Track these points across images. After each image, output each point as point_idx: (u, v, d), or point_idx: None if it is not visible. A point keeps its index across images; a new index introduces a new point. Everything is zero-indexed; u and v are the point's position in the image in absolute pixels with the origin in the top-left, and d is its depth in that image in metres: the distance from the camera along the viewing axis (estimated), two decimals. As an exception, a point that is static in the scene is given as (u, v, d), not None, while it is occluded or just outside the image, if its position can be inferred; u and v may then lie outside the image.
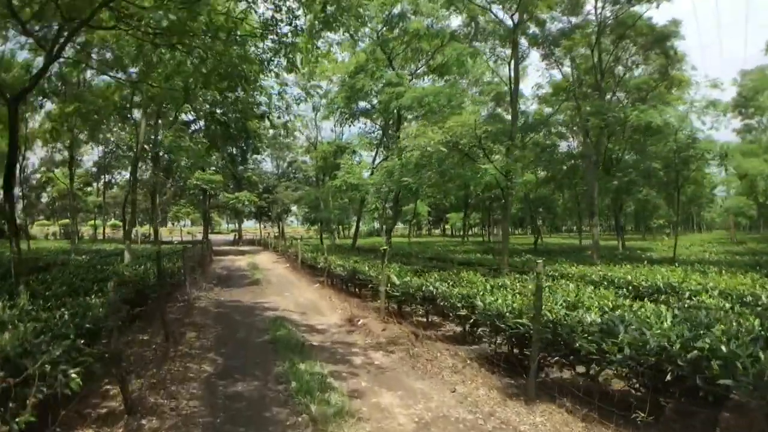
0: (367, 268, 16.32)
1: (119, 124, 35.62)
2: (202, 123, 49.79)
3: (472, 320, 9.85)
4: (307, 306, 15.94)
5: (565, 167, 33.22)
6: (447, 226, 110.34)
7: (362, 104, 30.54)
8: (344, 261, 19.23)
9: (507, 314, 8.26)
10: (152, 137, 24.92)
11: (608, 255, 26.31)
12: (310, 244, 36.51)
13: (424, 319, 13.23)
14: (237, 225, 79.17)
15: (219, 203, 46.20)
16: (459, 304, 10.11)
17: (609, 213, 51.17)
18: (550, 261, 22.24)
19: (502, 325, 8.30)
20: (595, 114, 26.13)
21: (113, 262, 20.52)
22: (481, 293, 9.78)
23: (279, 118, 50.82)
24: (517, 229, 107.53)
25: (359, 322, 13.14)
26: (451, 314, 10.80)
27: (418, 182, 19.87)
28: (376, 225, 75.06)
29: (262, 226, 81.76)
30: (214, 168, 45.95)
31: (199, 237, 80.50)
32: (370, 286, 15.71)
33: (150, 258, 22.78)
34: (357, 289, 18.02)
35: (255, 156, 62.92)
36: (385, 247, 13.87)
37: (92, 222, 70.89)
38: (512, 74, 20.49)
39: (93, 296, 9.76)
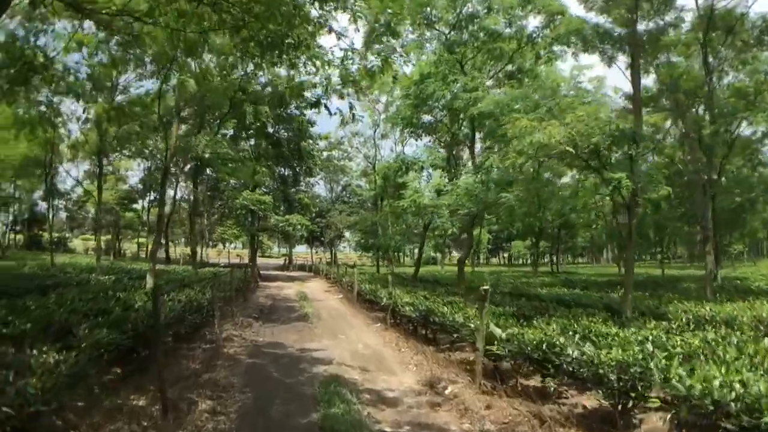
0: (446, 310, 12.50)
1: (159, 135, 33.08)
2: (253, 141, 47.47)
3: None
4: (370, 357, 12.10)
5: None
6: (504, 255, 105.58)
7: (427, 118, 26.99)
8: (413, 297, 15.43)
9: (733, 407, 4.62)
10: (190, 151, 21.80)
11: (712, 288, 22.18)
12: (365, 273, 32.87)
13: (533, 381, 9.59)
14: (288, 249, 76.27)
15: (268, 226, 43.01)
16: (614, 375, 6.84)
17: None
18: (655, 297, 18.48)
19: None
20: (699, 124, 22.01)
21: (139, 286, 17.41)
22: (673, 365, 6.02)
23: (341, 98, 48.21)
24: (577, 259, 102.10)
25: (446, 390, 9.26)
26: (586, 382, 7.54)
27: (509, 200, 16.03)
28: (432, 253, 71.01)
29: (313, 251, 78.74)
30: (264, 189, 42.97)
31: (258, 261, 78.37)
32: (455, 336, 11.84)
33: (177, 282, 19.61)
34: (431, 334, 14.21)
35: (308, 179, 60.24)
36: (486, 287, 9.99)
37: (137, 239, 68.91)
38: (631, 76, 16.61)
39: (50, 352, 6.31)
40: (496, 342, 9.29)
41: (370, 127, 47.16)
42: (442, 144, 26.41)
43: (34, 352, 6.24)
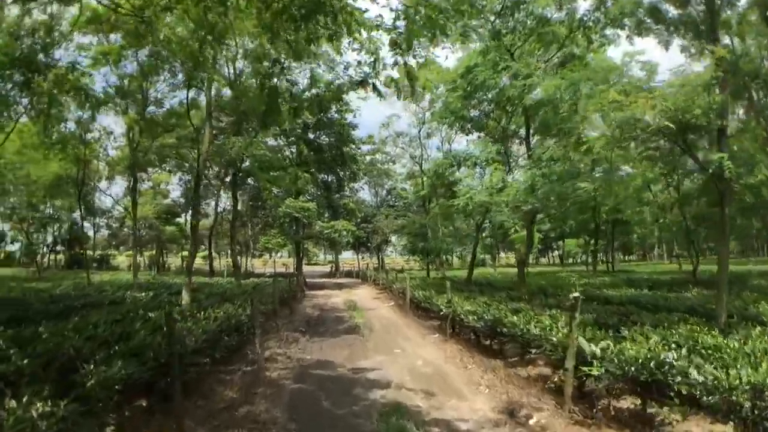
0: (517, 320, 10.91)
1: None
2: (294, 148, 46.48)
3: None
4: (432, 377, 10.50)
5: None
6: (554, 255, 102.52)
7: (474, 113, 25.31)
8: (474, 305, 13.83)
9: None
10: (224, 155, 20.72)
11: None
12: (414, 278, 31.31)
13: (625, 403, 8.18)
14: (334, 256, 75.28)
15: (313, 233, 41.86)
16: (747, 402, 5.58)
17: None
18: (734, 296, 16.57)
19: None
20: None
21: (176, 302, 16.24)
22: None
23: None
24: (626, 256, 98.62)
25: (531, 420, 7.65)
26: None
27: (584, 191, 14.33)
28: (481, 255, 69.02)
29: (360, 257, 77.58)
30: (308, 196, 41.88)
31: (306, 268, 77.51)
32: (530, 349, 10.21)
33: (217, 297, 18.42)
34: (497, 346, 12.62)
35: (352, 184, 59.04)
36: (576, 294, 8.38)
37: (181, 253, 68.72)
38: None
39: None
40: (589, 359, 7.66)
41: (415, 126, 45.61)
42: (494, 139, 24.69)
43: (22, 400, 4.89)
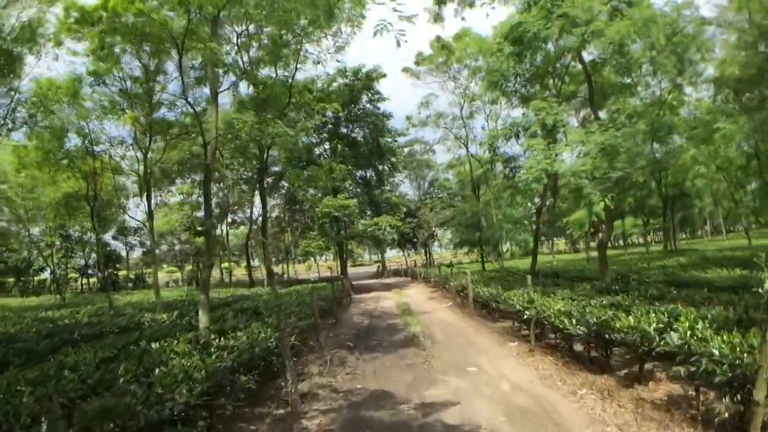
0: (633, 322, 7.98)
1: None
2: (327, 145, 43.84)
3: None
4: (536, 414, 7.42)
5: None
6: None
7: (521, 82, 22.24)
8: (565, 303, 10.79)
9: None
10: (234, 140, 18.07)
11: None
12: (468, 271, 28.26)
13: None
14: (380, 255, 72.51)
15: (355, 232, 39.03)
16: None
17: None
18: None
19: None
20: None
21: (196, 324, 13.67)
22: None
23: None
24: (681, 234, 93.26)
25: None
26: None
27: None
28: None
29: (406, 254, 74.52)
30: (347, 194, 39.10)
31: (350, 270, 74.91)
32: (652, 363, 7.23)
33: (248, 312, 15.84)
34: (601, 354, 9.58)
35: (392, 178, 56.19)
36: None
37: (225, 265, 66.78)
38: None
39: None
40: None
41: (456, 104, 42.35)
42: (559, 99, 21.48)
43: None
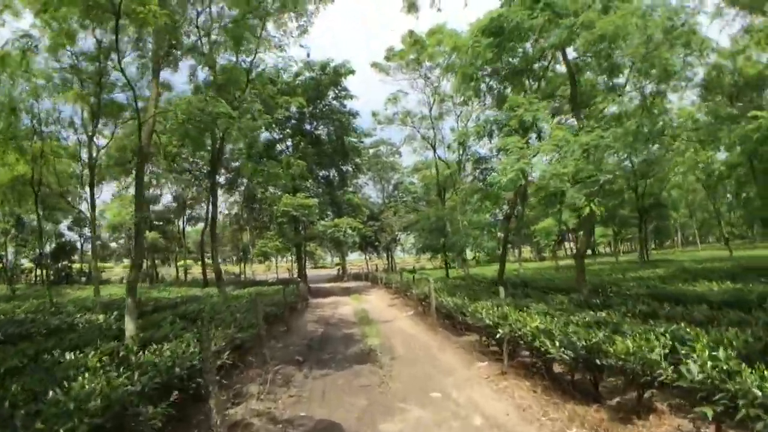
0: (633, 347, 6.70)
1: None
2: (289, 142, 42.11)
3: None
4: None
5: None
6: (570, 246, 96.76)
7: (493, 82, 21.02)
8: (548, 322, 9.38)
9: None
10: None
11: None
12: (430, 277, 26.88)
13: None
14: (341, 258, 70.86)
15: (315, 233, 37.23)
16: None
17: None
18: None
19: None
20: None
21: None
22: None
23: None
24: (651, 243, 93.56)
25: None
26: None
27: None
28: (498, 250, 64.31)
29: (368, 258, 72.84)
30: (309, 194, 37.39)
31: (310, 273, 72.75)
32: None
33: (185, 316, 14.24)
34: (587, 379, 8.24)
35: (356, 180, 54.62)
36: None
37: (182, 263, 64.04)
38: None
39: None
40: None
41: (426, 103, 40.76)
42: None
43: None
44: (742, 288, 14.06)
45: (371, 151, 57.54)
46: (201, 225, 58.87)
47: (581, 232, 16.96)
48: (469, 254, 36.97)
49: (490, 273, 37.41)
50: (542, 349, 8.55)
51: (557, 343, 8.16)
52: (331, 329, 18.39)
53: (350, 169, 45.69)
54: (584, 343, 7.59)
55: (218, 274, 25.56)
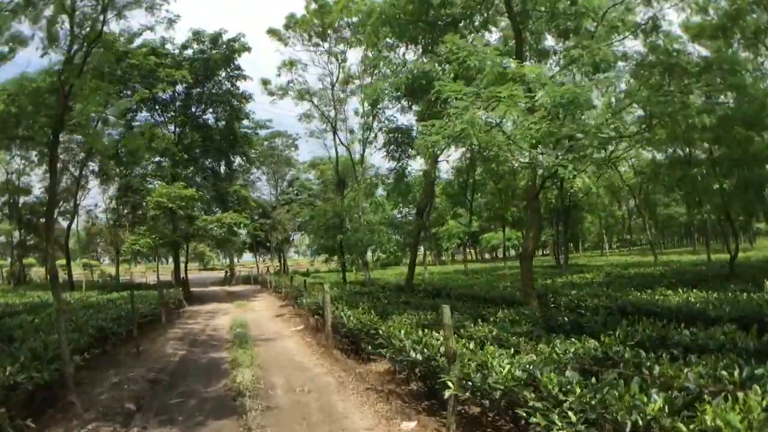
0: None
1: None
2: (172, 127, 36.88)
3: None
4: None
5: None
6: (470, 251, 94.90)
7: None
8: (536, 364, 5.60)
9: None
10: None
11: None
12: (323, 282, 22.89)
13: None
14: (228, 260, 65.27)
15: (195, 230, 32.05)
16: None
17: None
18: None
19: None
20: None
21: None
22: None
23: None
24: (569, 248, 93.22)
25: None
26: None
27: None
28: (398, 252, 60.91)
29: (260, 259, 67.48)
30: (193, 184, 32.36)
31: (197, 275, 66.31)
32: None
33: None
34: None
35: (247, 174, 49.73)
36: None
37: (62, 262, 55.77)
38: None
39: None
40: None
41: (327, 81, 36.60)
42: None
43: None
44: (738, 298, 10.90)
45: (265, 143, 52.84)
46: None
47: (529, 229, 13.38)
48: (369, 256, 33.30)
49: (391, 277, 33.89)
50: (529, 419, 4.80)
51: (571, 414, 4.43)
52: (195, 352, 14.07)
53: (240, 160, 40.87)
54: (639, 418, 3.91)
55: (54, 276, 20.32)
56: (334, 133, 34.92)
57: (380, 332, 9.63)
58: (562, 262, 42.61)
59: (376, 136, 25.34)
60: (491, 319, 10.25)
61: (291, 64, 35.51)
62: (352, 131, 34.43)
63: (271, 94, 37.86)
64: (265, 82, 38.34)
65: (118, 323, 14.13)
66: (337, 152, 33.21)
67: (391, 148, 18.70)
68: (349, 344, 12.35)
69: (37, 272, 59.73)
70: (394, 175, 18.01)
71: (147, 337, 16.14)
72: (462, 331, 8.77)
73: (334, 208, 31.28)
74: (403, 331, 8.61)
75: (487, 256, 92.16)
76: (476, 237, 60.14)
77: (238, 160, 41.02)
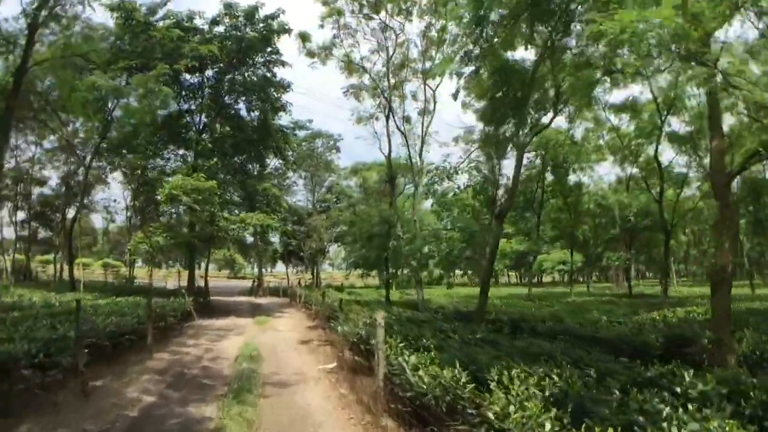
0: None
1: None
2: (203, 116, 32.59)
3: None
4: None
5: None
6: (519, 273, 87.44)
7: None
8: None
9: None
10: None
11: None
12: (362, 301, 17.73)
13: None
14: (257, 269, 60.56)
15: (215, 230, 27.00)
16: None
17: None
18: None
19: None
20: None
21: None
22: None
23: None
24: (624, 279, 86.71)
25: None
26: None
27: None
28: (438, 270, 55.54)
29: (291, 270, 62.47)
30: (217, 178, 27.60)
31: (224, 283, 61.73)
32: None
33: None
34: None
35: (282, 178, 45.26)
36: None
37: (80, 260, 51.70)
38: None
39: None
40: None
41: (381, 50, 29.64)
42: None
43: None
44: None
45: (304, 145, 48.23)
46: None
47: (721, 234, 8.43)
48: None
49: (436, 298, 28.63)
50: None
51: None
52: (170, 400, 9.19)
53: (275, 158, 36.18)
54: None
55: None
56: (388, 117, 28.45)
57: (487, 412, 4.70)
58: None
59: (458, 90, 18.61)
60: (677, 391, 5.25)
61: (338, 12, 28.69)
62: (407, 119, 28.75)
63: (310, 54, 30.51)
64: (304, 37, 30.38)
65: (62, 346, 9.44)
66: (390, 141, 27.38)
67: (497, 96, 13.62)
68: (414, 414, 7.28)
69: (46, 269, 55.93)
70: (497, 139, 12.89)
71: (116, 366, 11.45)
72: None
73: (381, 213, 26.03)
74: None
75: (526, 279, 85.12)
76: (524, 258, 54.21)
77: (272, 161, 36.64)
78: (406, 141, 26.22)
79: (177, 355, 13.73)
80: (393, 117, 28.43)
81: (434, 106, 25.35)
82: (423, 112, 25.97)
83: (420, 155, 26.08)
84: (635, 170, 36.19)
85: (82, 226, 53.44)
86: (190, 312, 22.75)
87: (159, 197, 24.98)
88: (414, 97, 27.91)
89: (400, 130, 27.13)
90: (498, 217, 15.63)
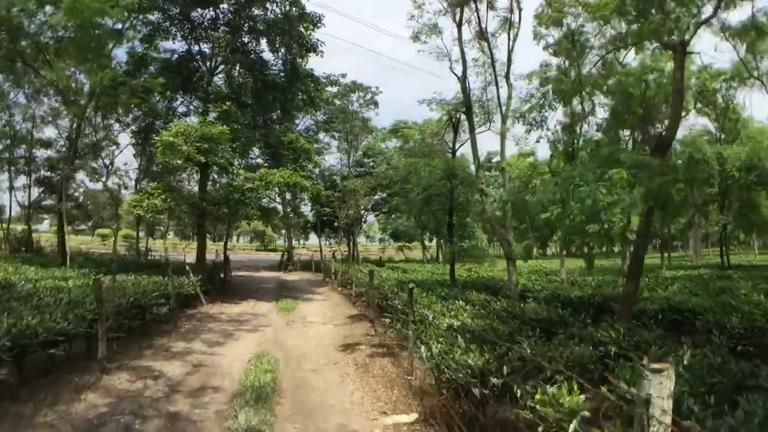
0: None
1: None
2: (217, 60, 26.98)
3: None
4: None
5: None
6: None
7: None
8: None
9: None
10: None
11: None
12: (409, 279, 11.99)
13: None
14: (287, 240, 54.97)
15: (231, 191, 21.05)
16: None
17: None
18: None
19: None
20: None
21: None
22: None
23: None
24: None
25: None
26: None
27: None
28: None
29: (325, 242, 56.48)
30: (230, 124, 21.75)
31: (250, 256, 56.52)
32: None
33: None
34: None
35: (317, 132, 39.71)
36: None
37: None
38: None
39: None
40: None
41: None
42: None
43: None
44: None
45: (337, 102, 42.32)
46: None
47: None
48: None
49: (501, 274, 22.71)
50: None
51: None
52: None
53: (307, 117, 30.52)
54: None
55: None
56: (461, 23, 18.92)
57: None
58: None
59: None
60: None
61: None
62: (481, 35, 21.11)
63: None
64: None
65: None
66: (463, 56, 19.51)
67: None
68: None
69: (50, 240, 51.20)
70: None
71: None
72: None
73: (441, 165, 19.49)
74: None
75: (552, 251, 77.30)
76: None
77: (301, 119, 31.09)
78: (491, 52, 19.14)
79: (139, 381, 8.20)
80: (465, 23, 20.19)
81: (520, 16, 18.98)
82: (508, 24, 19.25)
83: (507, 77, 19.63)
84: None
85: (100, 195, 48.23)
86: (195, 295, 17.42)
87: (157, 144, 19.39)
88: (491, 4, 20.40)
89: (485, 36, 19.45)
90: (659, 149, 9.79)
